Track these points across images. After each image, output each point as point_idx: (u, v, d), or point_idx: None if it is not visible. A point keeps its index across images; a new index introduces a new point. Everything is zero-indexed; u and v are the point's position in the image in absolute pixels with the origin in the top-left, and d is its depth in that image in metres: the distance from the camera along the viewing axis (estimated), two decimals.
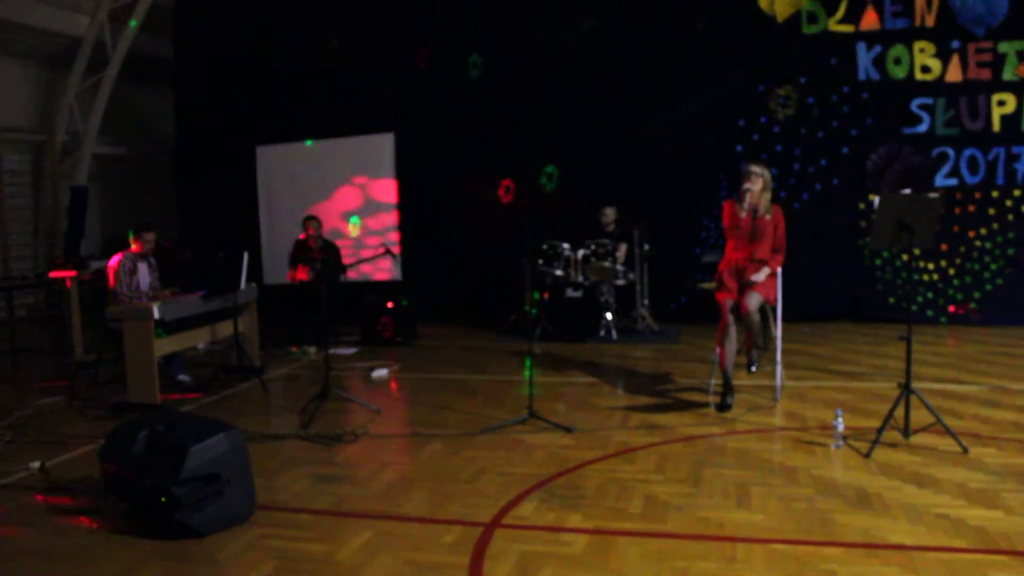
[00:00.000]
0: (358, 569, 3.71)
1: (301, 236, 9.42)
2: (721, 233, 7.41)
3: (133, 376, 6.70)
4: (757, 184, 6.07)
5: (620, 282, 9.42)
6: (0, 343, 9.93)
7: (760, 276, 6.06)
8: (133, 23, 12.79)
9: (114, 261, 7.42)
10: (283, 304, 9.64)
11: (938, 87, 9.30)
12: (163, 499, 4.04)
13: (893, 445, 5.10)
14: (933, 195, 5.20)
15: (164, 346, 6.98)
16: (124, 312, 6.83)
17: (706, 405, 6.28)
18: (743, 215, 6.11)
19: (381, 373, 8.02)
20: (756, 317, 6.10)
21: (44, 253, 13.37)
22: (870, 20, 9.43)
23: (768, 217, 6.11)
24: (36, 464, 5.30)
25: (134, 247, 7.50)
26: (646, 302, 9.76)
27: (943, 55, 9.24)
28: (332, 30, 11.79)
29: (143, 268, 7.55)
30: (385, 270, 9.44)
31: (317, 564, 3.79)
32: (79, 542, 4.13)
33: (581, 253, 9.36)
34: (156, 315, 6.64)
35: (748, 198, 6.05)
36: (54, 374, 8.47)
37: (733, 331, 6.14)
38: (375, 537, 4.07)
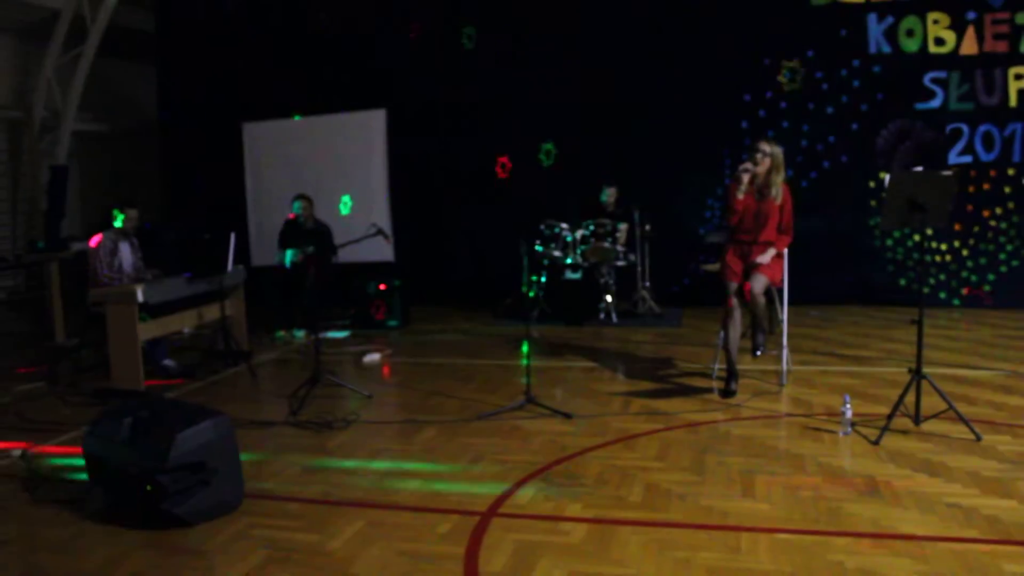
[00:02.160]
0: (350, 560, 3.73)
1: (291, 216, 9.40)
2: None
3: (117, 361, 6.70)
4: (763, 165, 6.05)
5: (620, 263, 9.43)
6: None
7: (765, 258, 6.05)
8: None
9: (95, 241, 7.41)
10: (272, 286, 9.63)
11: (952, 60, 9.26)
12: (148, 488, 4.05)
13: (903, 432, 5.12)
14: (946, 173, 5.19)
15: (148, 330, 6.98)
16: (107, 295, 6.82)
17: (709, 390, 6.30)
18: (741, 196, 6.09)
19: (373, 358, 8.03)
20: (761, 300, 6.10)
21: (23, 234, 13.33)
22: None
23: (777, 200, 6.09)
24: (17, 452, 5.32)
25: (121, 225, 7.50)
26: (647, 284, 9.77)
27: (958, 27, 9.19)
28: (320, 2, 11.73)
29: (125, 248, 7.52)
30: (377, 251, 9.42)
31: (308, 554, 3.80)
32: (62, 532, 4.14)
33: (580, 233, 9.36)
34: (140, 298, 6.63)
35: (745, 179, 6.04)
36: (35, 359, 8.48)
37: (738, 314, 6.14)
38: (367, 527, 4.08)
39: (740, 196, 6.08)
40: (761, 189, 6.11)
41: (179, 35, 12.76)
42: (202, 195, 12.50)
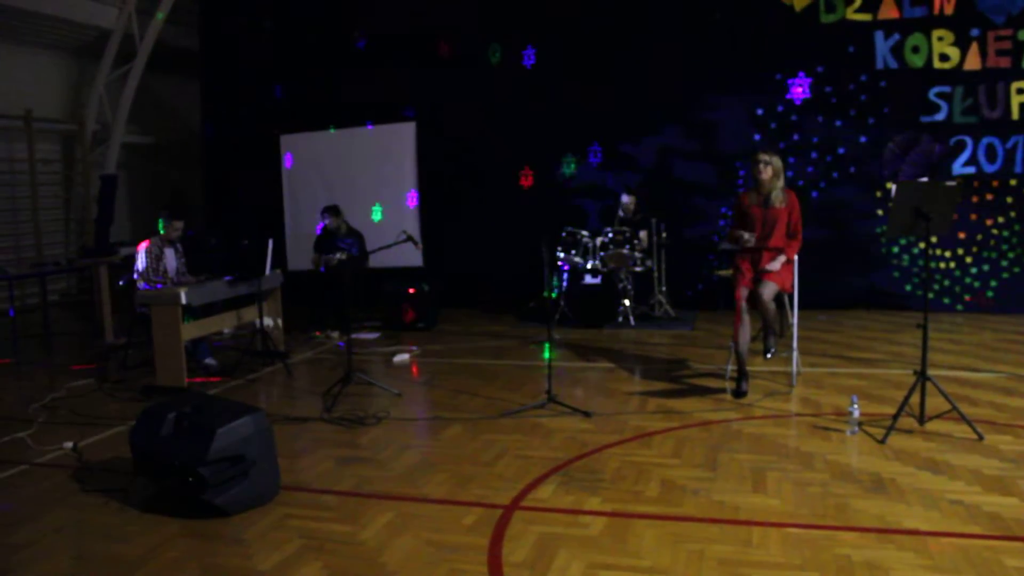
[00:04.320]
0: (380, 549, 3.74)
1: (324, 223, 9.45)
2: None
3: (161, 360, 6.76)
4: (765, 173, 6.04)
5: (638, 269, 9.40)
6: (34, 327, 10.06)
7: (775, 264, 6.03)
8: (160, 16, 12.85)
9: (142, 246, 7.49)
10: (307, 290, 9.68)
11: (956, 75, 9.17)
12: (190, 479, 4.08)
13: (908, 432, 5.07)
14: (950, 183, 5.14)
15: (191, 330, 7.04)
16: (152, 297, 6.89)
17: (722, 391, 6.26)
18: (753, 207, 6.09)
19: (402, 358, 8.05)
20: (771, 305, 6.07)
21: (75, 240, 13.50)
22: (888, 9, 9.30)
23: (782, 205, 6.07)
24: (69, 444, 5.38)
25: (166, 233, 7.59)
26: (663, 289, 9.74)
27: (962, 43, 9.10)
28: (355, 21, 11.80)
29: (169, 254, 7.61)
30: (407, 257, 9.48)
31: (340, 544, 3.82)
32: (110, 520, 4.19)
33: (599, 240, 9.34)
34: (183, 300, 6.69)
35: (763, 179, 6.06)
36: (85, 357, 8.57)
37: (748, 318, 6.12)
38: (397, 518, 4.09)
39: (752, 207, 6.09)
40: (766, 197, 6.09)
41: (221, 52, 12.87)
42: (242, 203, 12.59)
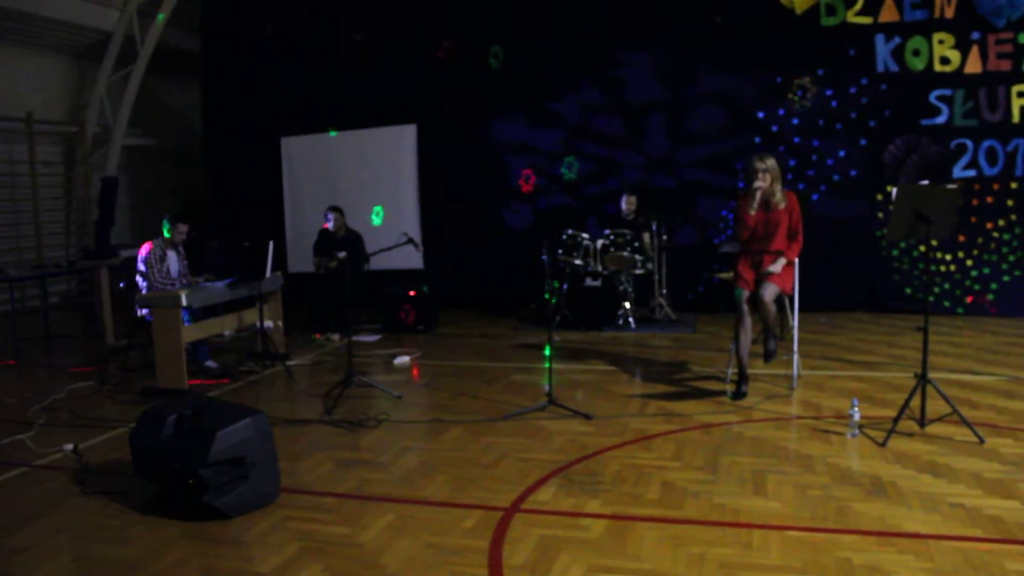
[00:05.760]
0: (380, 551, 3.74)
1: (325, 225, 9.45)
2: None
3: (162, 362, 6.76)
4: (766, 181, 6.04)
5: (638, 271, 9.39)
6: (35, 329, 10.06)
7: (776, 267, 6.02)
8: (161, 17, 12.86)
9: (144, 250, 7.49)
10: (307, 292, 9.68)
11: (957, 78, 9.17)
12: (191, 481, 4.08)
13: (909, 434, 5.06)
14: (951, 186, 5.14)
15: (191, 333, 7.03)
16: (152, 300, 6.89)
17: (723, 393, 6.26)
18: (753, 212, 6.08)
19: (403, 360, 8.05)
20: (772, 308, 6.06)
21: (76, 242, 13.51)
22: (889, 12, 9.31)
23: (782, 206, 6.07)
24: (69, 446, 5.38)
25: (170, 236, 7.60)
26: (664, 291, 9.72)
27: (962, 46, 9.10)
28: (356, 23, 11.80)
29: (172, 256, 7.61)
30: (407, 259, 9.48)
31: (340, 546, 3.81)
32: (110, 522, 4.18)
33: (600, 243, 9.33)
34: (183, 303, 6.68)
35: (759, 196, 6.04)
36: (86, 359, 8.56)
37: (748, 321, 6.11)
38: (397, 520, 4.09)
39: (752, 212, 6.07)
40: (767, 200, 6.09)
41: (223, 55, 12.87)
42: (243, 205, 12.59)
